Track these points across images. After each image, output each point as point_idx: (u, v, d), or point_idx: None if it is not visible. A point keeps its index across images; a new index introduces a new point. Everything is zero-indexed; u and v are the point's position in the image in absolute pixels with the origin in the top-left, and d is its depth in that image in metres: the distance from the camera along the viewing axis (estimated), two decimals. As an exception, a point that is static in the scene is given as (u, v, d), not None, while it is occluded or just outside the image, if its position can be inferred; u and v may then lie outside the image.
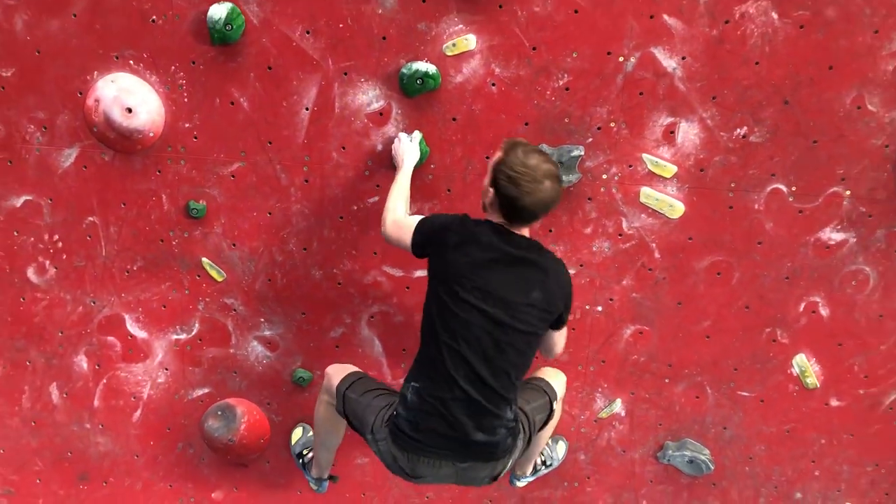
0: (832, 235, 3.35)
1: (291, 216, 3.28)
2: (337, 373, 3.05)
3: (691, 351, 3.52)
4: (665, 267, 3.37)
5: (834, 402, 3.60)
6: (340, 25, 3.01)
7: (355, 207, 3.27)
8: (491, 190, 2.62)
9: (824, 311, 3.45)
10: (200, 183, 3.23)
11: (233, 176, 3.22)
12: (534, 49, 3.06)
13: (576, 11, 3.00)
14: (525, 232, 2.73)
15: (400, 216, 2.85)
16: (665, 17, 3.01)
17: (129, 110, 3.05)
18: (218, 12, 2.94)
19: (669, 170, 3.24)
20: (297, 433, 3.62)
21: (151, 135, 3.12)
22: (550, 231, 3.30)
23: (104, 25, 3.02)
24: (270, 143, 3.17)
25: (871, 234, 3.33)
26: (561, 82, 3.10)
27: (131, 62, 3.07)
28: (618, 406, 3.65)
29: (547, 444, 3.56)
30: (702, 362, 3.54)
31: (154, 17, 3.01)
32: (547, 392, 3.06)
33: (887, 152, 3.19)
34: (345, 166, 3.21)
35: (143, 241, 3.33)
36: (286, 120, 3.14)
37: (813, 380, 3.57)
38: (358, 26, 3.02)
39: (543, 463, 3.56)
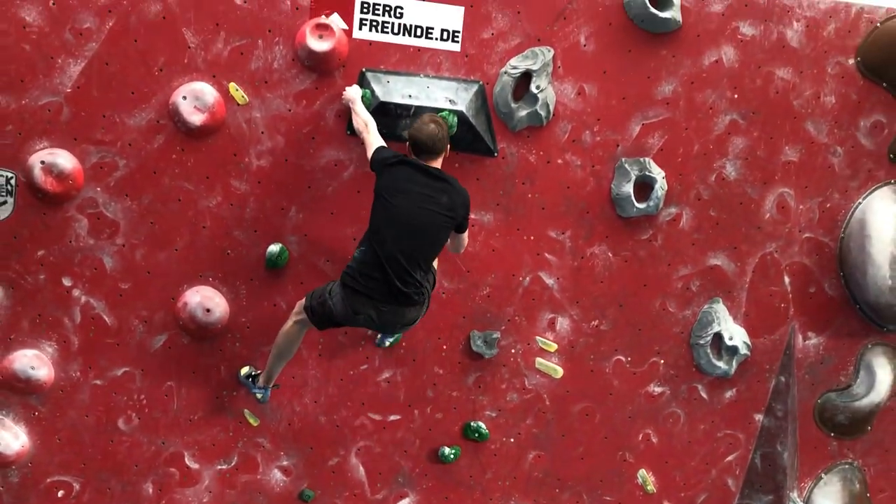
0: (655, 388, 5.03)
1: (308, 379, 4.68)
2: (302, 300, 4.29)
3: (572, 469, 5.04)
4: (553, 411, 4.95)
5: (665, 503, 5.17)
6: (348, 255, 4.57)
7: (351, 372, 4.72)
8: (408, 143, 4.03)
9: (655, 439, 5.08)
10: (249, 357, 4.61)
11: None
12: (468, 272, 4.72)
13: (493, 250, 4.72)
14: (437, 164, 4.04)
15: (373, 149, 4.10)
16: (546, 254, 4.77)
17: (208, 310, 4.46)
18: (274, 249, 4.48)
19: (552, 347, 4.88)
20: (245, 369, 4.61)
21: (220, 326, 4.52)
22: (479, 387, 4.83)
23: (195, 255, 4.50)
24: (298, 331, 4.64)
25: (678, 388, 5.05)
26: (485, 292, 4.76)
27: (210, 278, 4.53)
28: (525, 510, 5.07)
29: None
30: (579, 476, 5.07)
31: (229, 251, 4.51)
32: None
33: (683, 336, 4.97)
34: (346, 346, 4.68)
35: (204, 399, 4.63)
36: (309, 316, 4.63)
37: (651, 487, 5.12)
38: (359, 258, 4.61)
39: None
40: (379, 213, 3.98)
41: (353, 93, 4.34)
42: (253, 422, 4.72)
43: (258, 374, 4.52)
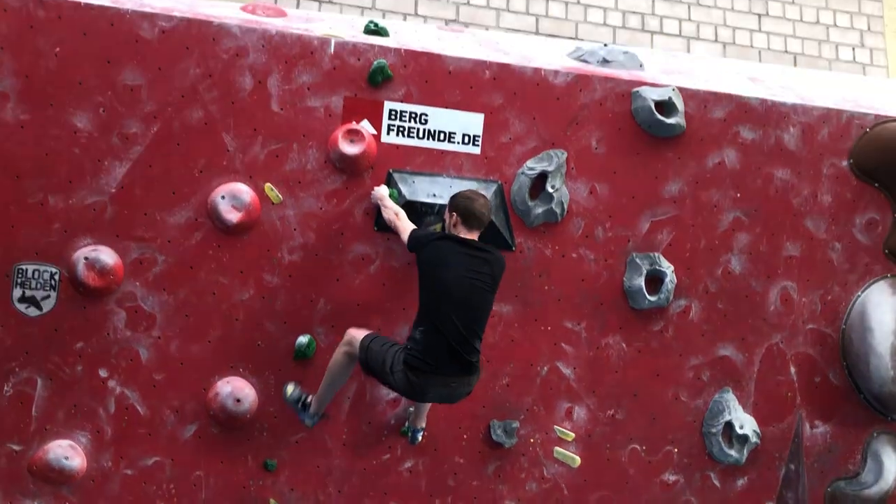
0: (670, 477, 5.15)
1: (333, 469, 4.78)
2: (359, 332, 4.39)
3: (590, 558, 5.10)
4: (571, 500, 5.04)
5: (684, 593, 5.21)
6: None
7: (374, 462, 4.82)
8: (453, 214, 4.25)
9: (670, 528, 5.16)
10: (275, 447, 4.72)
11: (297, 442, 4.74)
12: (487, 361, 4.88)
13: (512, 341, 4.90)
14: (475, 237, 4.27)
15: (409, 232, 4.35)
16: (563, 344, 4.96)
17: (238, 401, 4.59)
18: (303, 340, 4.66)
19: (570, 436, 5.02)
20: (289, 388, 4.63)
21: (249, 416, 4.65)
22: (499, 476, 4.93)
23: (227, 347, 4.66)
24: (324, 420, 4.75)
25: (691, 476, 5.16)
26: (504, 382, 4.92)
27: (241, 369, 4.68)
28: None
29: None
30: (598, 566, 5.12)
31: (260, 342, 4.68)
32: None
33: (695, 424, 5.12)
34: (370, 436, 4.80)
35: (232, 487, 4.71)
36: (336, 405, 4.75)
37: (669, 577, 5.17)
38: (384, 349, 4.78)
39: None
40: (431, 291, 4.19)
41: (382, 191, 4.62)
42: (278, 511, 4.81)
43: (308, 400, 4.58)
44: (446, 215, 4.36)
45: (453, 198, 4.35)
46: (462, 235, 4.27)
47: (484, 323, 4.29)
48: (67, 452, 4.52)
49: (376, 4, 6.44)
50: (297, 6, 6.32)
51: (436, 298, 4.17)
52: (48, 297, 4.50)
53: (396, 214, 4.49)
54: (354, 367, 4.46)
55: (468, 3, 6.68)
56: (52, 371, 4.53)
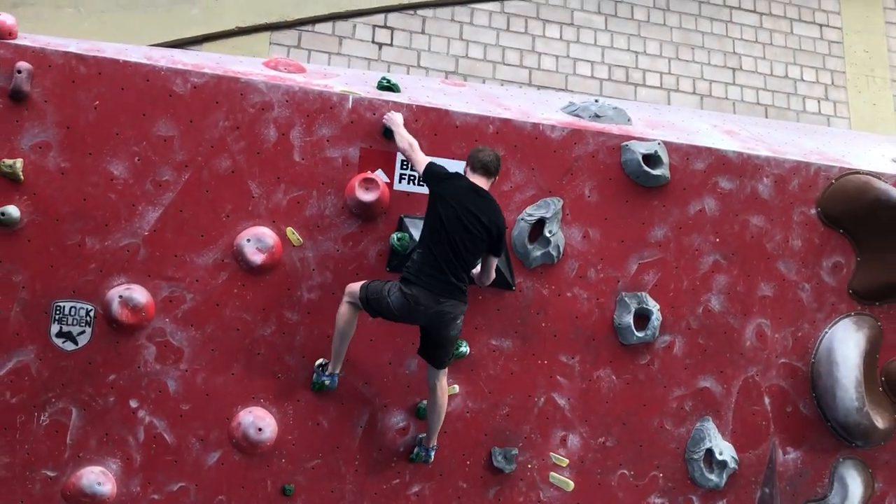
0: (655, 500, 5.58)
1: (345, 493, 5.13)
2: (355, 284, 4.81)
3: (583, 576, 5.50)
4: (565, 521, 5.45)
5: None
6: (384, 379, 5.14)
7: (384, 486, 5.19)
8: (467, 163, 4.76)
9: (658, 548, 5.58)
10: (293, 472, 5.07)
11: (313, 468, 5.08)
12: (489, 393, 5.29)
13: (512, 373, 5.31)
14: (484, 185, 4.74)
15: (425, 164, 4.76)
16: (558, 377, 5.38)
17: (260, 429, 4.94)
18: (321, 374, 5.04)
19: (564, 462, 5.43)
20: (320, 360, 5.03)
21: (269, 444, 4.99)
22: (499, 500, 5.31)
23: (249, 379, 5.02)
24: (338, 447, 5.11)
25: (675, 499, 5.60)
26: (504, 411, 5.33)
27: (262, 399, 5.03)
28: None
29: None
30: (589, 584, 5.52)
31: (280, 375, 5.04)
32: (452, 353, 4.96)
33: (678, 451, 5.56)
34: (380, 462, 5.16)
35: (252, 511, 5.05)
36: (349, 432, 5.12)
37: (655, 593, 5.58)
38: (393, 379, 5.15)
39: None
40: (435, 220, 4.67)
41: (397, 117, 5.00)
42: (294, 533, 5.14)
43: (327, 363, 4.98)
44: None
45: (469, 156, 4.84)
46: (472, 180, 4.76)
47: (473, 260, 4.75)
48: (99, 478, 4.83)
49: (382, 57, 6.92)
50: (308, 59, 6.76)
51: (439, 226, 4.63)
52: (84, 332, 4.83)
53: (411, 145, 4.87)
54: (358, 316, 4.84)
55: (466, 56, 7.20)
56: (86, 402, 4.85)
